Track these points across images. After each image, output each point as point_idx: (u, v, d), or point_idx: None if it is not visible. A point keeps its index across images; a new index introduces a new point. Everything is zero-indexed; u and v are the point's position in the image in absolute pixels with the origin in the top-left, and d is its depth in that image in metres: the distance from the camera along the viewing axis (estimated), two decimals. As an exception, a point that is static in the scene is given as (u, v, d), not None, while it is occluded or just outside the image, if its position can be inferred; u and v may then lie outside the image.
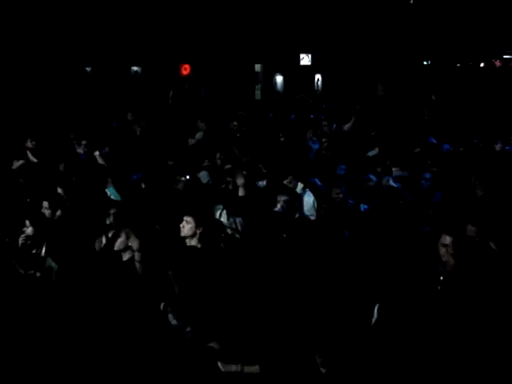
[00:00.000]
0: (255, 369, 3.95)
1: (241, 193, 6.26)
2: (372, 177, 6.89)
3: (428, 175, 7.04)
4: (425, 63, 22.21)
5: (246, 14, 17.18)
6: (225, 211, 5.87)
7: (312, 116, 12.31)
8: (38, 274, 4.94)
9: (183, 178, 6.94)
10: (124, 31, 15.41)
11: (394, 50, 19.47)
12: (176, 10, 16.41)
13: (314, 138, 9.43)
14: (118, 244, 4.88)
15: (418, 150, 8.52)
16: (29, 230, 5.18)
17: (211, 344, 4.02)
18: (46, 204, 5.63)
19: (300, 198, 6.38)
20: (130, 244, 4.74)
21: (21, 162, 7.60)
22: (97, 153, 7.47)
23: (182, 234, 5.10)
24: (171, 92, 11.59)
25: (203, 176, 7.18)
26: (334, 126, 10.87)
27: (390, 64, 19.60)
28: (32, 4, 14.03)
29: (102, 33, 15.12)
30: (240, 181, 6.25)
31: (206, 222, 5.19)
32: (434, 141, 9.85)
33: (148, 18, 15.69)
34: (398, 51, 19.66)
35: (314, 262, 4.80)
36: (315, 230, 5.44)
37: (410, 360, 3.66)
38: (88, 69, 16.15)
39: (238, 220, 5.85)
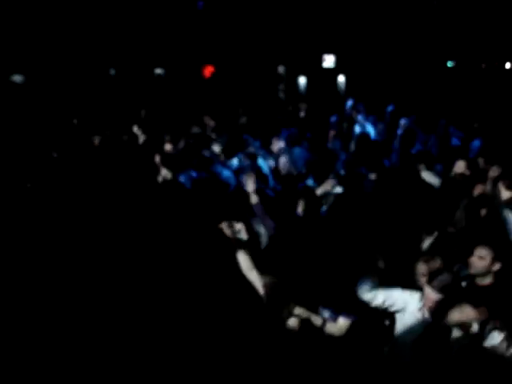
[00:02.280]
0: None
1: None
2: None
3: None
4: (449, 64, 22.00)
5: (268, 16, 17.14)
6: None
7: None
8: None
9: None
10: (147, 33, 15.45)
11: (418, 50, 19.31)
12: (199, 12, 16.42)
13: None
14: None
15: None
16: None
17: None
18: None
19: None
20: None
21: None
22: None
23: None
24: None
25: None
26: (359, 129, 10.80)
27: (414, 65, 19.44)
28: (55, 7, 14.13)
29: (125, 35, 15.18)
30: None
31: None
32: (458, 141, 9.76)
33: (171, 20, 15.72)
34: (422, 52, 19.49)
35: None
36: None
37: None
38: (112, 71, 16.22)
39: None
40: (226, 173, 7.46)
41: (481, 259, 4.32)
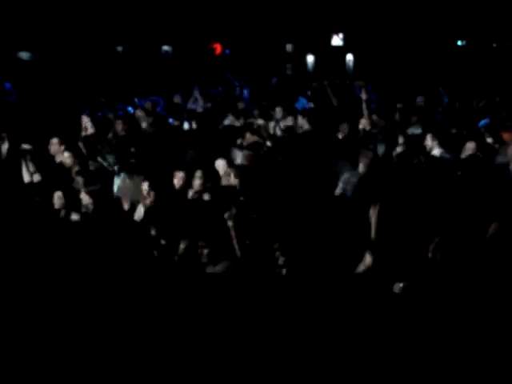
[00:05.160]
0: None
1: None
2: None
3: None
4: (459, 43, 21.73)
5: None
6: None
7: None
8: None
9: None
10: (154, 10, 15.34)
11: (427, 29, 19.08)
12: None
13: None
14: None
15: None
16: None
17: None
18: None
19: None
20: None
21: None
22: None
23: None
24: None
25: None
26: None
27: (425, 43, 19.23)
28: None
29: (133, 11, 15.08)
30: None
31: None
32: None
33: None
34: (431, 30, 19.26)
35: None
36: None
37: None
38: (119, 48, 16.13)
39: None
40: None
41: None
